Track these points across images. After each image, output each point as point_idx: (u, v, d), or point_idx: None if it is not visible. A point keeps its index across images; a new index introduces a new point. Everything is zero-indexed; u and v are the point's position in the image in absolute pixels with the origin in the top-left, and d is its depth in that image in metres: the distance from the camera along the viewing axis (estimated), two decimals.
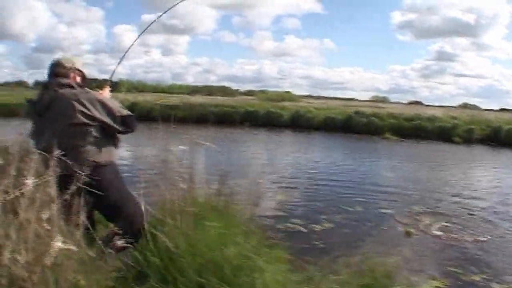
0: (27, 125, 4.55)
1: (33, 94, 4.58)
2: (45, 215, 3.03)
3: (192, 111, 36.44)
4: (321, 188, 14.67)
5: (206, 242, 4.28)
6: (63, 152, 3.45)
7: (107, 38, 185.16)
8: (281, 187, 13.73)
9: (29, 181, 3.02)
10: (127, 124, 4.53)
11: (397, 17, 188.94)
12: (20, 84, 79.77)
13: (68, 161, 3.55)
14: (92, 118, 4.23)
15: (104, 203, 4.21)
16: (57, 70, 4.50)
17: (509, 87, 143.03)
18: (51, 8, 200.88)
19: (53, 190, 3.26)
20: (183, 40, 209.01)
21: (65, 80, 4.39)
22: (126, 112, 4.54)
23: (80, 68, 4.74)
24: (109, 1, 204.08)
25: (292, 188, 14.11)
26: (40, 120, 4.31)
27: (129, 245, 4.22)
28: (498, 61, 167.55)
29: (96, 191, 3.81)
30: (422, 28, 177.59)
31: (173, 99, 41.10)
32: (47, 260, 2.68)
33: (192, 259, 4.11)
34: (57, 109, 4.18)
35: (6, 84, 76.46)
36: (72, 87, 4.34)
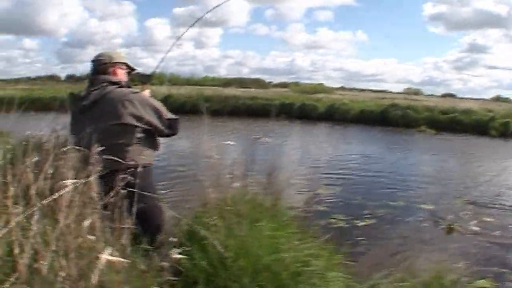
0: (62, 120, 4.37)
1: (67, 88, 4.38)
2: (87, 222, 2.66)
3: (226, 103, 36.25)
4: (361, 181, 14.47)
5: (260, 245, 3.93)
6: (105, 151, 3.30)
7: (139, 31, 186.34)
8: (321, 181, 13.37)
9: (69, 182, 2.63)
10: (172, 127, 4.45)
11: (428, 9, 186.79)
12: (52, 78, 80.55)
13: (110, 160, 3.43)
14: (141, 119, 4.13)
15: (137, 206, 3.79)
16: (101, 66, 4.38)
17: None
18: (83, 3, 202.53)
19: (95, 192, 2.97)
20: (215, 33, 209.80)
21: (113, 78, 4.30)
22: (172, 115, 4.44)
23: (124, 61, 4.61)
24: None
25: (332, 182, 13.76)
26: (83, 117, 4.09)
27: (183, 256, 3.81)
28: None
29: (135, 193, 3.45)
30: (454, 20, 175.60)
31: (207, 91, 40.85)
32: (94, 278, 2.28)
33: (246, 264, 3.75)
34: (104, 107, 4.05)
35: (38, 79, 77.17)
36: (120, 85, 4.25)
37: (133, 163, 3.89)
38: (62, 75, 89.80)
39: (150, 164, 4.35)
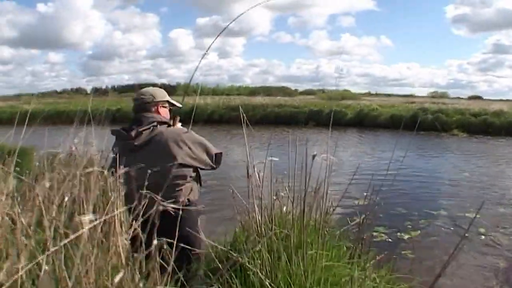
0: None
1: (92, 100, 4.13)
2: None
3: (254, 112, 35.89)
4: (399, 190, 13.71)
5: (315, 279, 3.37)
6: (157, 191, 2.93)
7: (163, 42, 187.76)
8: (359, 191, 12.85)
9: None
10: (218, 162, 4.43)
11: (451, 11, 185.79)
12: (78, 91, 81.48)
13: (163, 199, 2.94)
14: (195, 158, 4.17)
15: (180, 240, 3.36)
16: (145, 105, 4.36)
17: None
18: (106, 16, 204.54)
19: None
20: (239, 42, 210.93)
21: (161, 118, 4.31)
22: (217, 149, 4.41)
23: (166, 99, 4.54)
24: (164, 6, 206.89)
25: (367, 192, 13.02)
26: (132, 157, 3.87)
27: None
28: None
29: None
30: (477, 21, 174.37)
31: (236, 101, 40.63)
32: None
33: None
34: (159, 147, 4.06)
35: (65, 92, 78.16)
36: (169, 125, 4.31)
37: (184, 200, 3.90)
38: (88, 87, 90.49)
39: (197, 199, 4.30)
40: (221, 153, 4.45)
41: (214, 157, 4.35)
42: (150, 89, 4.58)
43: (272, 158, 4.61)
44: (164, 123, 4.29)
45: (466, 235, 8.96)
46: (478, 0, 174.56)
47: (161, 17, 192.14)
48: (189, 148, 4.12)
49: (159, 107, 4.43)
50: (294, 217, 4.27)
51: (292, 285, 3.38)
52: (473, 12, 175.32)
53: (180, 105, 4.74)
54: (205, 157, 4.25)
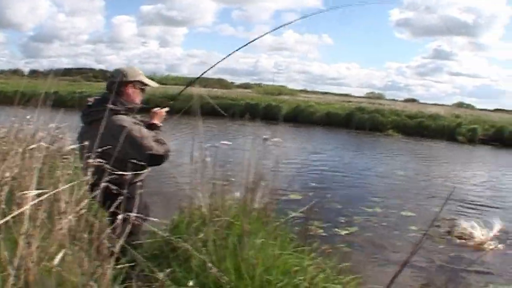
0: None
1: (29, 82, 4.09)
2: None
3: (192, 102, 35.64)
4: (335, 187, 14.04)
5: (267, 267, 3.28)
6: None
7: (106, 28, 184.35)
8: (291, 186, 12.85)
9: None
10: (154, 162, 4.39)
11: (395, 14, 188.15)
12: (15, 72, 79.62)
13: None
14: (123, 152, 3.93)
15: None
16: (114, 85, 4.34)
17: (505, 88, 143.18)
18: None
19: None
20: (181, 32, 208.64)
21: (114, 100, 4.24)
22: (157, 150, 4.33)
23: (137, 79, 4.59)
24: None
25: (304, 187, 13.22)
26: (86, 129, 4.35)
27: None
28: (495, 61, 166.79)
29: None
30: (420, 26, 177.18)
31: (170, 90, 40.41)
32: None
33: None
34: (100, 129, 3.77)
35: (2, 72, 76.34)
36: (117, 111, 4.26)
37: (125, 181, 3.72)
38: (26, 69, 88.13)
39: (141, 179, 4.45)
40: (160, 155, 4.38)
41: (149, 156, 4.29)
42: (124, 68, 4.59)
43: (223, 142, 4.52)
44: (129, 108, 4.40)
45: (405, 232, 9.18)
46: (423, 5, 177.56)
47: (106, 2, 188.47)
48: (116, 140, 3.93)
49: (128, 87, 4.46)
50: (239, 205, 4.18)
51: (241, 273, 3.28)
52: (417, 17, 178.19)
53: (155, 85, 4.84)
54: (132, 152, 4.19)
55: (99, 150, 3.60)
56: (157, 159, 4.37)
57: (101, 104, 4.26)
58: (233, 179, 4.39)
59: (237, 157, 4.51)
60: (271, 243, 3.74)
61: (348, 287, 3.88)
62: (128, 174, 3.73)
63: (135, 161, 4.14)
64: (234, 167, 4.62)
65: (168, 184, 4.96)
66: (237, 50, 5.07)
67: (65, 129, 5.49)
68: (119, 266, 2.91)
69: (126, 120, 4.33)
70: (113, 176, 3.52)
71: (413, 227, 10.01)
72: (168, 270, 3.11)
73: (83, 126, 4.49)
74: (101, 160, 3.43)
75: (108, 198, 3.20)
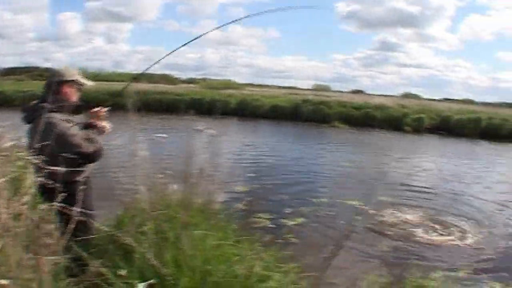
0: None
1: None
2: None
3: (136, 98, 35.38)
4: (281, 178, 14.11)
5: (206, 258, 3.30)
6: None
7: (52, 25, 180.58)
8: (237, 178, 12.87)
9: None
10: (84, 160, 4.53)
11: (342, 7, 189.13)
12: None
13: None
14: (54, 148, 4.01)
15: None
16: (50, 85, 4.56)
17: (451, 78, 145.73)
18: None
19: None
20: (127, 28, 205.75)
21: (50, 99, 4.34)
22: (86, 148, 4.47)
23: (73, 79, 4.74)
24: None
25: (250, 179, 13.18)
26: (30, 127, 4.51)
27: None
28: (441, 52, 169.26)
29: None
30: (367, 18, 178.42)
31: (116, 86, 40.04)
32: None
33: (192, 284, 3.11)
34: (35, 126, 4.23)
35: None
36: (49, 110, 4.35)
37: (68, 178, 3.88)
38: None
39: (81, 178, 4.56)
40: (88, 154, 4.48)
41: (77, 154, 4.36)
42: (61, 68, 4.77)
43: (160, 135, 4.54)
44: (62, 106, 4.52)
45: (353, 223, 9.30)
46: None
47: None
48: (50, 138, 4.06)
49: (64, 87, 4.60)
50: (180, 198, 4.18)
51: (181, 264, 3.29)
52: (363, 9, 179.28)
53: (90, 83, 4.96)
54: (60, 150, 4.16)
55: (36, 147, 3.73)
56: (86, 157, 4.48)
57: (39, 104, 4.44)
58: (169, 172, 4.39)
59: (174, 150, 4.53)
60: (211, 234, 3.75)
61: (289, 274, 3.90)
62: (61, 170, 3.70)
63: (69, 157, 4.17)
64: (172, 160, 4.64)
65: (111, 180, 4.92)
66: (182, 46, 5.06)
67: (8, 127, 5.43)
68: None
69: (56, 118, 4.43)
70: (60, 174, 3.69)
71: (359, 216, 10.17)
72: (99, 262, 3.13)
73: (29, 126, 4.57)
74: (41, 158, 3.58)
75: (53, 195, 3.22)
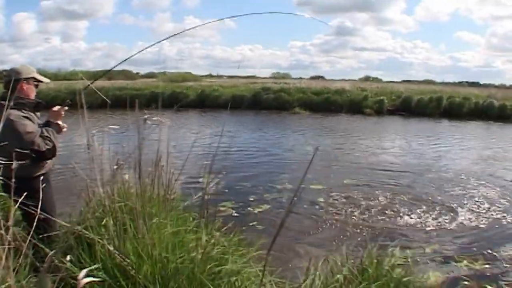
0: None
1: None
2: None
3: (95, 96, 35.03)
4: (244, 167, 14.23)
5: (165, 246, 3.37)
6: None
7: (6, 27, 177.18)
8: (200, 169, 12.92)
9: None
10: (38, 157, 4.63)
11: None
12: None
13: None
14: (9, 143, 4.15)
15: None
16: (8, 83, 4.65)
17: (411, 59, 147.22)
18: None
19: None
20: (82, 25, 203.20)
21: (12, 97, 4.28)
22: (39, 145, 4.60)
23: (30, 76, 4.92)
24: None
25: (213, 168, 13.08)
26: None
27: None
28: (399, 34, 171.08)
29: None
30: (321, 3, 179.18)
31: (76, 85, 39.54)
32: None
33: (152, 271, 3.19)
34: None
35: None
36: (12, 107, 4.41)
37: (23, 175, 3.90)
38: None
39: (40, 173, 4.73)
40: (41, 151, 4.57)
41: (31, 151, 4.48)
42: (18, 66, 4.91)
43: (111, 126, 4.58)
44: (20, 103, 4.61)
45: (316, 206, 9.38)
46: None
47: (6, 0, 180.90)
48: (5, 135, 3.98)
49: (22, 84, 4.76)
50: (137, 190, 4.23)
51: (141, 253, 3.36)
52: None
53: (47, 81, 5.29)
54: (16, 146, 4.21)
55: None
56: (39, 155, 4.59)
57: None
58: (122, 163, 4.43)
59: (127, 141, 4.57)
60: (169, 222, 3.82)
61: (245, 257, 3.99)
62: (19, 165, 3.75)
63: (25, 153, 4.29)
64: (125, 151, 4.67)
65: (72, 177, 4.97)
66: (163, 40, 5.13)
67: None
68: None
69: (14, 114, 4.54)
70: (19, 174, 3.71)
71: (321, 199, 10.35)
72: (69, 257, 3.18)
73: None
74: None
75: (16, 192, 3.30)
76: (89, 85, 4.99)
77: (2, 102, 4.38)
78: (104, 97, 5.70)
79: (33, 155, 4.51)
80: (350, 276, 4.37)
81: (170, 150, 4.75)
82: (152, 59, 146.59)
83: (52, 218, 4.30)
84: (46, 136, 4.70)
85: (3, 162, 3.58)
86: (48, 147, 4.64)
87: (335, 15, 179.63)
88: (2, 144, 4.03)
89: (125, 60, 5.28)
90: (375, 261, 4.65)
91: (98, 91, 5.18)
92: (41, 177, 4.63)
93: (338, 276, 4.27)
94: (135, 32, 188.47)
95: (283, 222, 2.57)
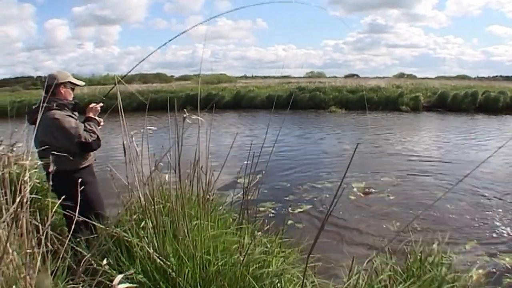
0: None
1: None
2: None
3: (131, 99, 35.29)
4: (283, 166, 14.10)
5: (206, 248, 3.29)
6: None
7: (39, 34, 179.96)
8: (238, 169, 12.85)
9: None
10: (85, 148, 5.08)
11: None
12: None
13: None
14: (53, 140, 4.88)
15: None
16: (48, 88, 4.99)
17: (444, 55, 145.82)
18: None
19: None
20: (115, 31, 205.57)
21: (49, 99, 4.86)
22: (86, 138, 5.03)
23: (67, 81, 5.30)
24: None
25: (253, 168, 13.05)
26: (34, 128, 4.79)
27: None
28: (431, 30, 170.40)
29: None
30: (353, 1, 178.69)
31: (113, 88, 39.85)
32: None
33: (193, 274, 3.11)
34: (39, 124, 4.56)
35: None
36: (50, 108, 4.97)
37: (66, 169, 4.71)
38: None
39: (80, 167, 5.17)
40: (89, 143, 5.04)
41: (76, 143, 4.97)
42: (55, 72, 5.28)
43: (149, 128, 4.53)
44: (61, 104, 5.10)
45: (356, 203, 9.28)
46: None
47: (37, 7, 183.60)
48: (50, 131, 4.93)
49: (60, 88, 5.18)
50: (177, 191, 4.16)
51: (182, 255, 3.28)
52: None
53: (82, 83, 5.65)
54: (64, 141, 4.94)
55: (41, 141, 4.58)
56: (86, 146, 5.03)
57: (39, 105, 4.57)
58: (161, 164, 4.37)
59: (166, 142, 4.52)
60: (211, 224, 3.75)
61: (289, 258, 3.91)
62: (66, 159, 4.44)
63: (68, 150, 4.78)
64: (164, 152, 4.63)
65: (109, 179, 4.95)
66: (168, 42, 5.17)
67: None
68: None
69: (58, 113, 5.00)
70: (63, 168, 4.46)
71: (364, 196, 10.32)
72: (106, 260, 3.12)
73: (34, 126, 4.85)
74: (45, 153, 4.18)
75: (60, 185, 3.92)
76: (113, 87, 5.25)
77: (45, 104, 4.56)
78: (142, 98, 5.70)
79: (80, 148, 4.98)
80: (394, 275, 4.25)
81: (208, 151, 4.70)
82: (186, 61, 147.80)
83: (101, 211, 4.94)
84: (90, 129, 5.11)
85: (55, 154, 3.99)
86: (93, 138, 5.05)
87: (366, 12, 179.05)
88: (48, 137, 4.75)
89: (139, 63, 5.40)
90: (418, 258, 4.53)
91: (136, 93, 5.44)
92: (86, 169, 5.20)
93: (382, 276, 4.14)
94: (168, 36, 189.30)
95: (323, 225, 2.49)
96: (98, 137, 5.16)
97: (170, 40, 5.08)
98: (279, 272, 3.50)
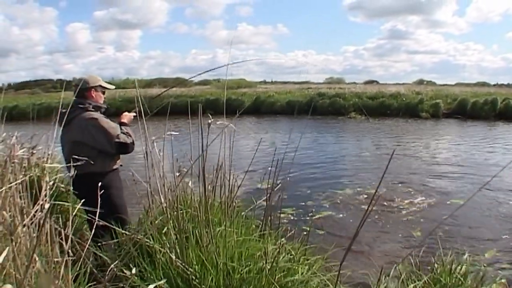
0: None
1: None
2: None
3: (150, 103, 35.31)
4: (303, 171, 14.05)
5: (230, 255, 3.24)
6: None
7: (60, 37, 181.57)
8: (259, 175, 12.82)
9: None
10: (121, 150, 5.21)
11: None
12: None
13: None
14: (91, 140, 5.05)
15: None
16: (80, 91, 5.26)
17: (464, 61, 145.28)
18: (4, 11, 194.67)
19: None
20: (136, 35, 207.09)
21: (83, 102, 5.19)
22: (124, 139, 5.16)
23: (98, 84, 5.43)
24: (62, 0, 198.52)
25: (273, 174, 12.98)
26: (64, 130, 5.24)
27: None
28: (451, 36, 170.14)
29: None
30: (373, 8, 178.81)
31: (133, 93, 40.04)
32: None
33: (217, 281, 3.06)
34: (74, 126, 5.05)
35: None
36: (86, 109, 5.16)
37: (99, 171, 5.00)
38: None
39: (110, 170, 5.30)
40: (126, 144, 5.15)
41: (115, 143, 5.06)
42: (86, 76, 5.43)
43: (171, 133, 4.51)
44: (82, 108, 5.13)
45: (371, 208, 9.18)
46: None
47: (59, 11, 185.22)
48: (89, 131, 5.01)
49: (91, 91, 5.32)
50: (200, 197, 4.11)
51: (205, 262, 3.23)
52: None
53: (112, 87, 5.77)
54: (103, 142, 5.04)
55: (75, 141, 4.87)
56: (124, 147, 5.14)
57: (73, 107, 5.04)
58: (184, 169, 4.34)
59: (188, 147, 4.49)
60: (234, 231, 3.70)
61: (314, 266, 3.86)
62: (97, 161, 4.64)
63: (105, 150, 5.06)
64: (186, 157, 4.61)
65: (131, 183, 4.95)
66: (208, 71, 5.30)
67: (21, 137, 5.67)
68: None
69: (96, 114, 5.16)
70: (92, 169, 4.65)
71: (385, 203, 10.21)
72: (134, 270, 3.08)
73: (62, 129, 5.26)
74: (75, 154, 4.16)
75: (84, 191, 3.91)
76: (164, 91, 5.43)
77: (80, 105, 5.08)
78: (165, 104, 5.69)
79: (117, 149, 5.10)
80: (422, 286, 4.18)
81: (231, 157, 4.66)
82: (205, 66, 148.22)
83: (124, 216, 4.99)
84: (126, 132, 5.26)
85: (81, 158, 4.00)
86: (129, 141, 5.18)
87: (387, 18, 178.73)
88: (82, 138, 4.94)
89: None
90: (448, 268, 4.46)
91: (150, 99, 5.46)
92: (114, 172, 5.30)
93: (411, 286, 4.07)
94: (188, 40, 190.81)
95: (357, 232, 2.40)
96: (133, 141, 5.26)
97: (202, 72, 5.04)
98: (305, 280, 3.45)
